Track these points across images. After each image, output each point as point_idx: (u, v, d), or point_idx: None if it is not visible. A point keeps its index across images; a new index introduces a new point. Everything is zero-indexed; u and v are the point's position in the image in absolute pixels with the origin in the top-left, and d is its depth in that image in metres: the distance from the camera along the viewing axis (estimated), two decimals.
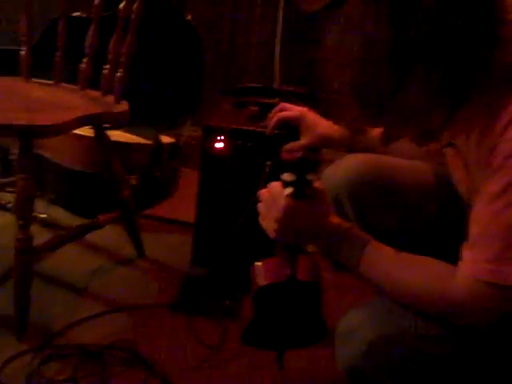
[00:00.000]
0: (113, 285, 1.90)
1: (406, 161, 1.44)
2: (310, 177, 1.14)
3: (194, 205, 1.88)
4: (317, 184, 1.16)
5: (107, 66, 1.80)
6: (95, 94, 1.85)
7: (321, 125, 1.54)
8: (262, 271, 1.26)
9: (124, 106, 1.79)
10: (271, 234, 1.18)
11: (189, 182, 2.17)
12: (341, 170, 1.46)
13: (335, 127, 1.47)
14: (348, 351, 1.11)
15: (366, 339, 1.08)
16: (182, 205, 2.28)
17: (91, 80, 1.86)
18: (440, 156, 1.25)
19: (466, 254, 1.02)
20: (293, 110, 1.62)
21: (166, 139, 2.46)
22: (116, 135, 2.24)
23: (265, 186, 1.21)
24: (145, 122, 2.46)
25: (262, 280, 1.24)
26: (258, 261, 1.28)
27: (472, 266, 1.00)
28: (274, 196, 1.16)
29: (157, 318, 1.77)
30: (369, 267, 1.12)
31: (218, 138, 1.79)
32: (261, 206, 1.20)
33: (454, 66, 0.95)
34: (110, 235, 2.09)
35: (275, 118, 1.65)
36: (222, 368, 1.60)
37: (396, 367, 1.09)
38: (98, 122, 1.78)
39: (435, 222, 1.40)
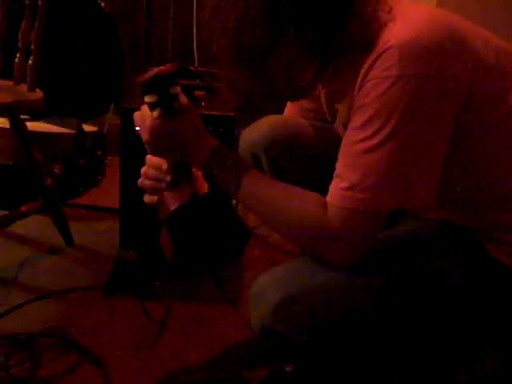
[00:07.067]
0: (43, 274, 1.89)
1: (309, 121, 1.53)
2: (173, 90, 1.10)
3: None
4: (183, 99, 1.14)
5: (18, 55, 1.79)
6: (8, 83, 1.83)
7: None
8: (167, 200, 1.25)
9: (38, 95, 1.78)
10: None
11: (116, 170, 2.17)
12: (255, 130, 1.53)
13: None
14: (258, 312, 1.15)
15: (273, 300, 1.12)
16: (110, 192, 2.27)
17: (6, 70, 1.85)
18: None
19: (332, 183, 1.08)
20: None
21: (88, 128, 2.46)
22: (36, 126, 2.22)
23: None
24: (66, 112, 2.45)
25: (169, 207, 1.24)
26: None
27: (334, 194, 1.06)
28: (143, 119, 1.16)
29: (88, 302, 1.76)
30: (249, 191, 1.13)
31: None
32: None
33: (319, 28, 1.03)
34: (36, 226, 2.08)
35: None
36: (160, 349, 1.59)
37: (303, 324, 1.13)
38: (10, 111, 1.77)
39: None
